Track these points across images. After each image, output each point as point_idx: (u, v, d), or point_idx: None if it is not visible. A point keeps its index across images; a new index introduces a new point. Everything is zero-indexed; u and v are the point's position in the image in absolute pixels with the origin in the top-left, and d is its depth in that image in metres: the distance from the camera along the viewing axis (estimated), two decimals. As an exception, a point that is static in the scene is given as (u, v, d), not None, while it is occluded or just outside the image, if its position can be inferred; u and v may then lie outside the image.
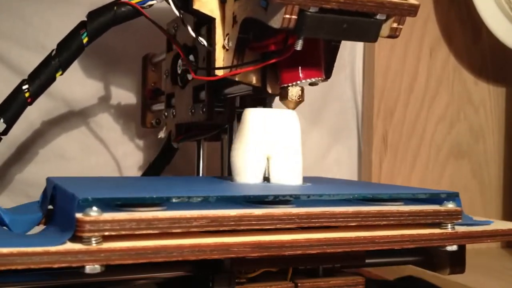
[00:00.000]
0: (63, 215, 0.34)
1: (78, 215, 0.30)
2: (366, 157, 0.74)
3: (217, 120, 0.51)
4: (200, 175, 0.56)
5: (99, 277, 0.34)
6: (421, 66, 0.74)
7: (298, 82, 0.41)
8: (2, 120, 0.45)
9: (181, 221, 0.31)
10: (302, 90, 0.42)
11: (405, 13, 0.38)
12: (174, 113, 0.56)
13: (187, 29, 0.44)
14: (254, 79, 0.43)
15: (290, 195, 0.36)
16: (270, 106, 0.52)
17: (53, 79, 0.46)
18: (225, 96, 0.50)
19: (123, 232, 0.30)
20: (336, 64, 0.45)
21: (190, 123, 0.54)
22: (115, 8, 0.45)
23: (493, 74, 0.77)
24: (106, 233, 0.30)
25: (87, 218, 0.30)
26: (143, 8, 0.45)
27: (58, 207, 0.37)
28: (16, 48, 0.63)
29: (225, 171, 0.55)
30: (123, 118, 0.68)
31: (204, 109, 0.49)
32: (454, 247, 0.38)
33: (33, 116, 0.64)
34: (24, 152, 0.64)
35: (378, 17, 0.37)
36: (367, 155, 0.74)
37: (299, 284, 0.39)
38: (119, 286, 0.36)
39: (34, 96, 0.46)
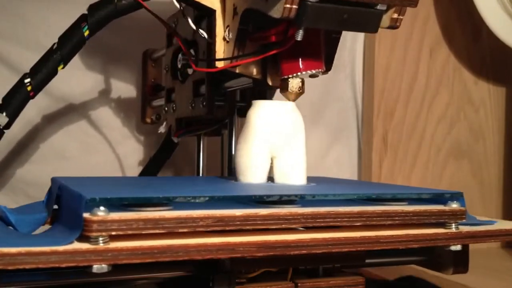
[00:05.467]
0: (69, 214, 0.34)
1: (86, 215, 0.30)
2: (366, 157, 0.74)
3: (217, 115, 0.51)
4: (200, 170, 0.56)
5: (99, 277, 0.34)
6: (421, 66, 0.74)
7: (299, 73, 0.41)
8: (4, 113, 0.45)
9: (187, 220, 0.32)
10: (303, 81, 0.42)
11: (406, 4, 0.38)
12: (174, 108, 0.56)
13: (188, 21, 0.44)
14: (254, 71, 0.43)
15: (296, 195, 0.36)
16: (271, 99, 0.51)
17: (54, 72, 0.46)
18: (226, 90, 0.51)
19: (130, 232, 0.30)
20: (336, 64, 0.45)
21: (190, 118, 0.54)
22: (115, 1, 0.45)
23: (493, 74, 0.77)
24: (113, 233, 0.30)
25: (95, 218, 0.30)
26: (143, 0, 0.45)
27: (64, 207, 0.37)
28: (16, 48, 0.63)
29: (225, 167, 0.54)
30: (123, 115, 0.68)
31: (204, 103, 0.49)
32: (458, 247, 0.38)
33: (32, 115, 0.64)
34: (24, 151, 0.64)
35: (378, 7, 0.37)
36: (367, 155, 0.74)
37: (299, 284, 0.39)
38: (119, 286, 0.36)
39: (36, 89, 0.46)
